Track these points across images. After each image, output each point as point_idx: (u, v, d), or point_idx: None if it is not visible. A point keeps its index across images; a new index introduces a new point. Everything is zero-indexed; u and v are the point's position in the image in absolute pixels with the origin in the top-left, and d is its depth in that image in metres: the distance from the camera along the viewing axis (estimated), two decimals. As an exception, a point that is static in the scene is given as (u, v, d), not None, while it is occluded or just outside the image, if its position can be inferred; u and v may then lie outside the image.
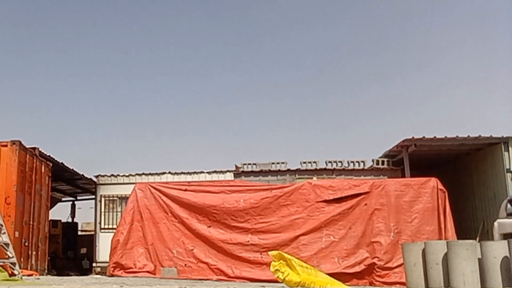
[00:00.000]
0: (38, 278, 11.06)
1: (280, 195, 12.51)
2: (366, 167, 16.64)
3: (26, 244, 12.63)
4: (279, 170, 16.76)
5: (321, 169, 16.59)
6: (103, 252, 15.74)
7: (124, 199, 16.15)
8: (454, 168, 17.42)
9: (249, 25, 51.88)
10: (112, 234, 13.27)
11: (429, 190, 12.27)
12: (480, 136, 14.87)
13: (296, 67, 49.17)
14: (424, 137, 14.90)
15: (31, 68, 50.70)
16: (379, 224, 12.04)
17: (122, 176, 17.49)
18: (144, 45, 50.67)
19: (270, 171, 16.73)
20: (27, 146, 13.03)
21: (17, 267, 9.63)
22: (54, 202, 20.44)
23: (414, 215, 12.08)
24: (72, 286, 8.42)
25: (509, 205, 11.15)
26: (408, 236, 11.79)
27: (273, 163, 16.86)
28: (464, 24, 45.75)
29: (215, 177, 16.67)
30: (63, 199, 23.78)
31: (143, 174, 17.30)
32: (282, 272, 8.10)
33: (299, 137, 47.24)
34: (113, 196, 17.20)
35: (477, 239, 13.52)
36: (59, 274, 15.93)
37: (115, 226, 14.63)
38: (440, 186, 12.34)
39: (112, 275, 12.18)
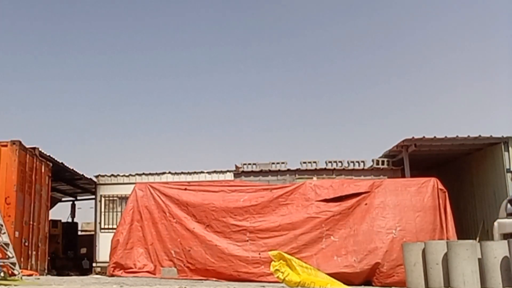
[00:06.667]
0: (38, 278, 11.06)
1: (280, 195, 12.51)
2: (366, 167, 16.64)
3: (26, 244, 12.63)
4: (279, 170, 16.77)
5: (321, 169, 16.59)
6: (103, 252, 15.73)
7: (124, 199, 16.14)
8: (454, 168, 17.41)
9: (250, 25, 51.91)
10: (112, 234, 13.28)
11: (429, 190, 12.27)
12: (480, 136, 14.87)
13: (296, 67, 49.19)
14: (424, 137, 14.90)
15: (31, 68, 50.73)
16: (379, 224, 12.03)
17: (122, 176, 17.49)
18: (144, 45, 50.68)
19: (270, 171, 16.74)
20: (27, 146, 13.03)
21: (17, 267, 9.63)
22: (54, 202, 20.44)
23: (414, 215, 12.07)
24: (72, 286, 8.42)
25: (509, 205, 11.16)
26: (408, 236, 11.77)
27: (273, 163, 16.86)
28: (464, 24, 45.77)
29: (215, 177, 16.67)
30: (63, 199, 23.77)
31: (143, 174, 17.30)
32: (282, 272, 8.11)
33: (299, 137, 47.25)
34: (113, 196, 17.19)
35: (477, 239, 13.52)
36: (59, 274, 15.92)
37: (115, 226, 14.63)
38: (440, 186, 12.34)
39: (112, 275, 12.18)
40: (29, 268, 12.48)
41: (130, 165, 55.81)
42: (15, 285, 8.64)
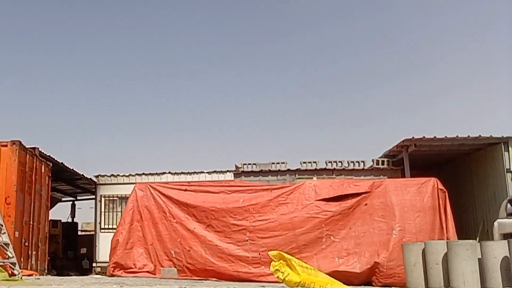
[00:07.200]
0: (38, 278, 11.06)
1: (280, 194, 12.51)
2: (366, 167, 16.65)
3: (26, 244, 12.63)
4: (279, 170, 16.77)
5: (321, 169, 16.60)
6: (103, 252, 15.74)
7: (124, 199, 16.15)
8: (454, 168, 17.42)
9: (250, 25, 51.91)
10: (112, 234, 13.28)
11: (429, 190, 12.26)
12: (480, 136, 14.87)
13: (296, 67, 49.19)
14: (424, 137, 14.90)
15: (32, 68, 50.73)
16: (379, 224, 12.02)
17: (122, 176, 17.49)
18: (145, 45, 50.69)
19: (270, 171, 16.74)
20: (27, 146, 13.03)
21: (17, 267, 9.62)
22: (54, 202, 20.43)
23: (415, 215, 12.06)
24: (72, 286, 8.42)
25: (509, 205, 11.16)
26: (408, 236, 11.76)
27: (273, 163, 16.87)
28: (464, 24, 45.77)
29: (215, 177, 16.67)
30: (63, 199, 23.77)
31: (143, 174, 17.31)
32: (282, 272, 8.11)
33: (299, 137, 47.25)
34: (113, 196, 17.20)
35: (477, 239, 13.52)
36: (59, 274, 15.93)
37: (115, 226, 14.63)
38: (440, 186, 12.34)
39: (112, 275, 12.18)
40: (29, 268, 12.48)
41: (130, 165, 55.84)
42: (15, 285, 8.64)
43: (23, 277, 9.80)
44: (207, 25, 50.13)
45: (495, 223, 11.12)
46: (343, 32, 49.19)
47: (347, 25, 49.76)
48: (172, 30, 50.10)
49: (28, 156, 12.99)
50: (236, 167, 16.85)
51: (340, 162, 16.72)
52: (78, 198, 23.78)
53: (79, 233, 24.75)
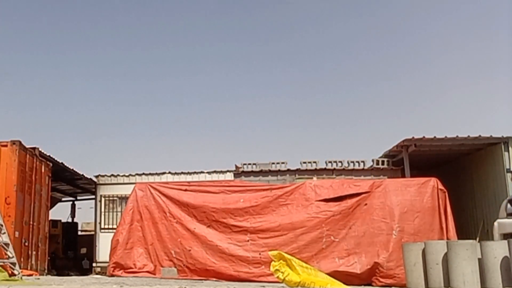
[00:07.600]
0: (38, 278, 11.06)
1: (280, 195, 12.51)
2: (366, 167, 16.65)
3: (26, 244, 12.63)
4: (279, 170, 16.77)
5: (321, 169, 16.60)
6: (103, 252, 15.74)
7: (124, 199, 16.14)
8: (454, 168, 17.41)
9: (249, 25, 51.90)
10: (112, 234, 13.28)
11: (429, 190, 12.26)
12: (480, 136, 14.87)
13: (296, 67, 49.19)
14: (424, 137, 14.90)
15: (31, 68, 50.73)
16: (379, 224, 12.03)
17: (122, 176, 17.49)
18: (144, 45, 50.69)
19: (270, 171, 16.73)
20: (27, 146, 13.03)
21: (17, 267, 9.63)
22: (54, 202, 20.43)
23: (415, 215, 12.07)
24: (72, 286, 8.42)
25: (509, 205, 11.16)
26: (408, 236, 11.78)
27: (273, 163, 16.87)
28: (464, 24, 45.76)
29: (215, 177, 16.67)
30: (63, 199, 23.77)
31: (143, 174, 17.31)
32: (282, 272, 8.11)
33: (299, 137, 47.22)
34: (113, 196, 17.19)
35: (477, 239, 13.53)
36: (59, 274, 15.92)
37: (115, 226, 14.64)
38: (440, 186, 12.34)
39: (112, 275, 12.19)
40: (29, 268, 12.48)
41: (130, 165, 55.83)
42: (15, 285, 8.64)
43: (23, 277, 9.80)
44: (207, 25, 50.15)
45: (495, 223, 11.12)
46: (343, 32, 49.23)
47: (347, 25, 49.78)
48: (172, 30, 50.11)
49: (28, 156, 12.99)
50: (236, 167, 16.85)
51: (340, 162, 16.72)
52: (78, 198, 23.78)
53: (79, 233, 24.75)
